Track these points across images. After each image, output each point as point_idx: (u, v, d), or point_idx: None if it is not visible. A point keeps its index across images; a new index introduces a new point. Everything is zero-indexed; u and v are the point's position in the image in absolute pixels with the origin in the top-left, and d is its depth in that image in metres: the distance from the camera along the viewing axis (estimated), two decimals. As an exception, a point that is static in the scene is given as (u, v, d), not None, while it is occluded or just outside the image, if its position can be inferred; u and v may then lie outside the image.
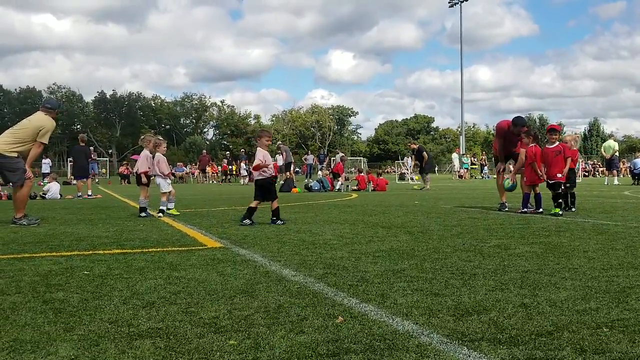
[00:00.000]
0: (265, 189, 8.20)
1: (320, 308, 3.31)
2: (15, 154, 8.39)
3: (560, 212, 9.05)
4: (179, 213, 9.94)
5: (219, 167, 41.69)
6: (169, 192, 9.83)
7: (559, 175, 9.29)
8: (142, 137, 10.59)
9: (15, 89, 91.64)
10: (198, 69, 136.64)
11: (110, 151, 77.63)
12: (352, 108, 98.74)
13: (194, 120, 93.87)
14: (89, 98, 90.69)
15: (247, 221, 8.01)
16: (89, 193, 17.11)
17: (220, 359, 2.45)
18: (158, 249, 5.74)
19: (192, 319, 3.10)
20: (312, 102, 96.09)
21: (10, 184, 8.87)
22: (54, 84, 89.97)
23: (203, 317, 3.12)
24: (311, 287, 3.89)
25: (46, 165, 38.47)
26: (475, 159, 45.45)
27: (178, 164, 40.21)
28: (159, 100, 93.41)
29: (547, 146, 9.60)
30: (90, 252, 5.60)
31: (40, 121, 8.66)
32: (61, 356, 2.50)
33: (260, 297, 3.58)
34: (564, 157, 9.36)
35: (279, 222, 8.04)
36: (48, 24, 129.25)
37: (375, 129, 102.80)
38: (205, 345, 2.64)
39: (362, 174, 22.41)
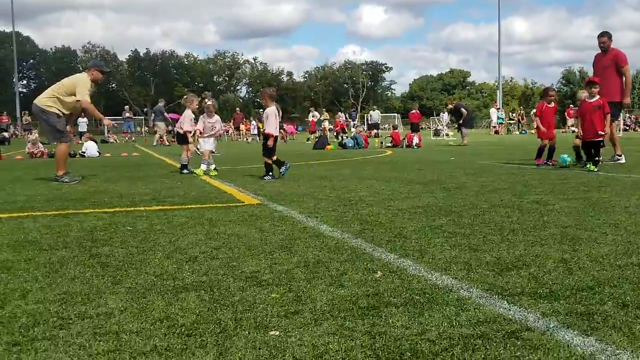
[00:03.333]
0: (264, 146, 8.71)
1: (359, 263, 3.35)
2: (55, 110, 8.58)
3: (596, 169, 8.85)
4: (217, 172, 9.99)
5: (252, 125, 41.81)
6: (204, 151, 9.89)
7: (601, 132, 9.04)
8: (185, 97, 10.79)
9: (51, 49, 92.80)
10: (228, 26, 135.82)
11: (145, 109, 78.40)
12: (385, 63, 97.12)
13: (227, 78, 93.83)
14: (122, 57, 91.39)
15: (268, 177, 8.33)
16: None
17: (263, 311, 2.52)
18: (197, 206, 5.85)
19: (234, 272, 3.18)
20: (344, 58, 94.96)
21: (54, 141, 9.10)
22: (88, 42, 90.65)
23: (244, 271, 3.20)
24: (349, 242, 3.93)
25: (83, 124, 39.16)
26: (514, 114, 44.45)
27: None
28: (192, 59, 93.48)
29: (586, 100, 9.31)
30: (132, 208, 5.74)
31: (75, 78, 8.88)
32: (110, 308, 2.60)
33: (299, 253, 3.64)
34: (603, 113, 9.08)
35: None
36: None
37: (409, 84, 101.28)
38: (248, 297, 2.71)
39: (397, 130, 22.23)
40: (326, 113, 36.19)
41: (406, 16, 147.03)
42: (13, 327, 2.37)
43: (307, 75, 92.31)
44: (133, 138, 36.66)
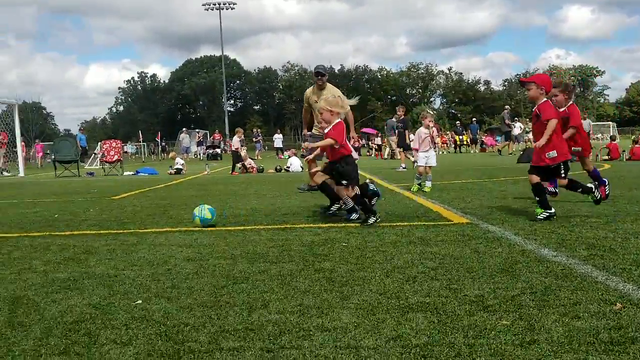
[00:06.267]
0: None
1: (593, 292, 3.19)
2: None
3: None
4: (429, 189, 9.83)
5: (450, 137, 41.43)
6: (423, 166, 9.74)
7: None
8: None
9: (254, 70, 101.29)
10: (419, 37, 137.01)
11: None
12: (596, 67, 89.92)
13: (420, 90, 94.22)
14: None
15: (355, 215, 6.30)
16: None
17: (495, 339, 2.53)
18: (405, 224, 5.99)
19: (457, 295, 3.23)
20: (547, 63, 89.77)
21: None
22: (287, 62, 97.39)
23: (468, 295, 3.23)
24: (577, 269, 3.75)
25: (278, 140, 42.07)
26: None
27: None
28: (385, 72, 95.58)
29: None
30: (343, 224, 6.07)
31: None
32: (344, 322, 2.81)
33: (523, 278, 3.57)
34: None
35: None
36: (279, 6, 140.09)
37: (625, 89, 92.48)
38: (478, 323, 2.74)
39: (615, 142, 20.44)
40: (530, 123, 34.44)
41: (618, 15, 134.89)
42: (262, 334, 2.68)
43: (506, 83, 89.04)
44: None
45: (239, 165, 18.39)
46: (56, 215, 7.65)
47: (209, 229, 6.02)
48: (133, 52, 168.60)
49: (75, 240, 5.58)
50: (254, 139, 43.34)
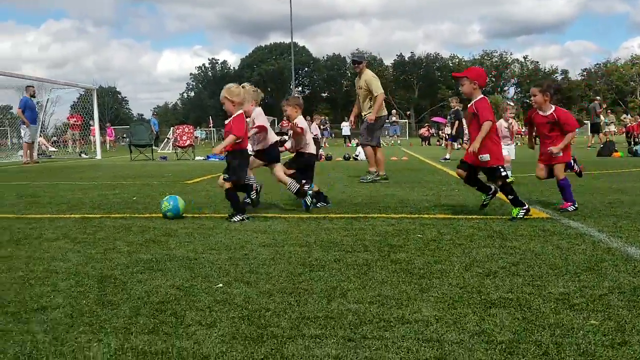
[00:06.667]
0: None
1: (688, 295, 3.05)
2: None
3: None
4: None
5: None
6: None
7: None
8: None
9: (323, 57, 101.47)
10: (493, 24, 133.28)
11: (408, 113, 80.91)
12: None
13: (493, 79, 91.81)
14: (388, 61, 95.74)
15: (308, 199, 6.47)
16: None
17: (584, 338, 2.47)
18: (481, 216, 5.89)
19: (541, 292, 3.15)
20: (629, 53, 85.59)
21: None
22: (356, 49, 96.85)
23: (552, 292, 3.15)
24: (669, 270, 3.59)
25: (346, 128, 42.14)
26: None
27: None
28: (457, 60, 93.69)
29: None
30: (416, 215, 6.03)
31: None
32: (425, 315, 2.81)
33: (610, 277, 3.45)
34: None
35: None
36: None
37: None
38: (564, 322, 2.68)
39: None
40: (611, 115, 32.98)
41: None
42: (343, 323, 2.72)
43: (584, 73, 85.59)
44: (399, 142, 38.15)
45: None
46: (134, 198, 7.96)
47: (283, 215, 6.12)
48: (204, 38, 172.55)
49: (154, 222, 5.80)
50: (321, 127, 43.55)
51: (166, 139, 28.87)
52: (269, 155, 6.72)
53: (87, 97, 25.68)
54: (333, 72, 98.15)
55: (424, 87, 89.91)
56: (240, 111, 5.99)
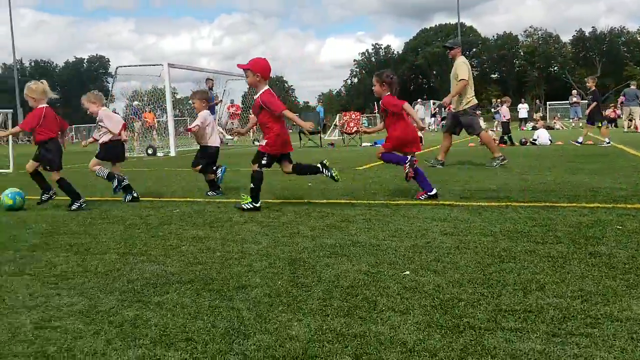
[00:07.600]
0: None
1: None
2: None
3: None
4: None
5: None
6: None
7: None
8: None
9: (492, 36, 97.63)
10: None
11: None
12: None
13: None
14: (565, 38, 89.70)
15: (211, 193, 7.65)
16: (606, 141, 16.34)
17: None
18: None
19: None
20: None
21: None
22: (530, 26, 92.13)
23: None
24: None
25: (523, 110, 40.27)
26: None
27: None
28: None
29: None
30: (611, 205, 5.60)
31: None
32: (636, 313, 2.61)
33: None
34: None
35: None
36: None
37: None
38: None
39: None
40: None
41: None
42: (544, 317, 2.61)
43: None
44: (580, 124, 35.62)
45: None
46: (310, 184, 8.29)
47: (461, 203, 6.01)
48: (367, 24, 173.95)
49: (331, 208, 5.99)
50: (492, 109, 42.05)
51: (333, 126, 29.65)
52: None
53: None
54: (504, 52, 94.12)
55: (608, 64, 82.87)
56: (41, 106, 6.51)
